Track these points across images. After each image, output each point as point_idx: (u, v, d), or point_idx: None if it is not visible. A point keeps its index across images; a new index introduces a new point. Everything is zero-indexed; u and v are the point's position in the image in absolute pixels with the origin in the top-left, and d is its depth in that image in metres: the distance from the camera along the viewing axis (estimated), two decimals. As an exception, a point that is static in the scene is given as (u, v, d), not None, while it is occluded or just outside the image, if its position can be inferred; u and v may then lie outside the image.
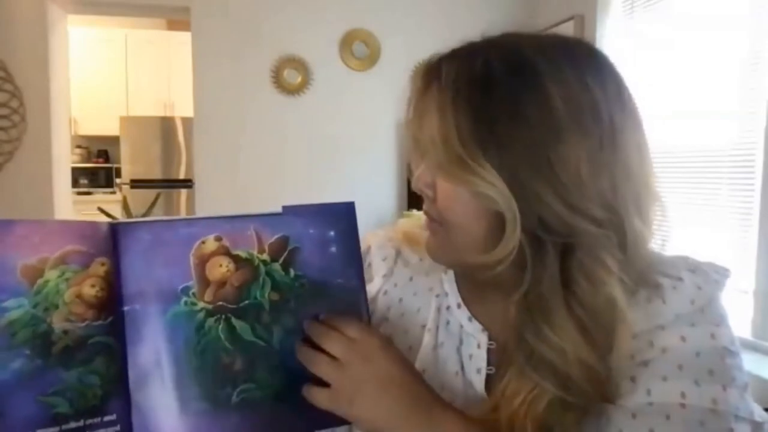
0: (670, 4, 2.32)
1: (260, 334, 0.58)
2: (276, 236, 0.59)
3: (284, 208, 0.60)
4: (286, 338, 0.58)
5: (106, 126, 5.39)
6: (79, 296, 0.53)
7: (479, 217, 0.57)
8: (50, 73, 3.14)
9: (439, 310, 0.69)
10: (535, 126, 0.53)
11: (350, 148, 3.34)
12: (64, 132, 3.41)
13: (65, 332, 0.52)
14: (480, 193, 0.55)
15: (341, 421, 0.58)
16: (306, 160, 3.31)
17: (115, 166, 5.66)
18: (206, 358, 0.56)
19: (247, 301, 0.58)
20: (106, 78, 5.44)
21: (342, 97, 3.31)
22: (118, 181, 5.50)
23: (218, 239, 0.58)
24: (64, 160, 3.43)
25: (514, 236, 0.54)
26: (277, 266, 0.59)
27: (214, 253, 0.57)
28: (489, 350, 0.64)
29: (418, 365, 0.65)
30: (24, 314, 0.51)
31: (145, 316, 0.56)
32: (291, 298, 0.59)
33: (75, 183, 4.82)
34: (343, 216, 0.61)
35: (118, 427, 0.54)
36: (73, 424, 0.52)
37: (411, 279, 0.72)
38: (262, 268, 0.58)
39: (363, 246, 0.63)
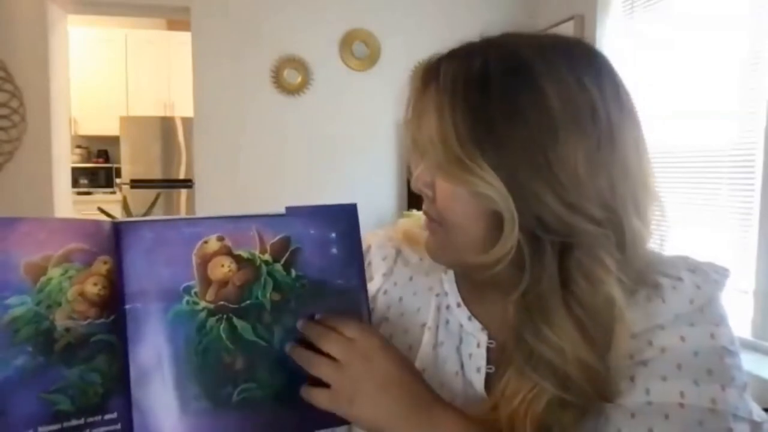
0: (670, 4, 2.32)
1: (261, 334, 0.58)
2: (278, 237, 0.59)
3: (287, 209, 0.60)
4: (287, 338, 0.58)
5: (106, 126, 5.39)
6: (81, 294, 0.53)
7: (478, 216, 0.57)
8: (50, 73, 3.14)
9: (438, 309, 0.69)
10: (532, 126, 0.54)
11: (350, 148, 3.34)
12: (64, 132, 3.41)
13: (67, 330, 0.53)
14: (478, 192, 0.55)
15: (341, 421, 0.58)
16: (306, 160, 3.31)
17: (115, 166, 5.66)
18: (207, 357, 0.57)
19: (248, 301, 0.58)
20: (106, 78, 5.44)
21: (342, 97, 3.31)
22: (118, 181, 5.50)
23: (220, 239, 0.58)
24: (64, 160, 3.43)
25: (512, 236, 0.54)
26: (278, 266, 0.59)
27: (216, 253, 0.58)
28: (488, 349, 0.65)
29: (417, 364, 0.65)
30: (27, 311, 0.51)
31: (147, 315, 0.56)
32: (292, 298, 0.59)
33: (75, 183, 4.82)
34: (344, 217, 0.62)
35: (118, 426, 0.54)
36: (74, 422, 0.52)
37: (411, 278, 0.72)
38: (264, 269, 0.59)
39: (363, 245, 0.63)
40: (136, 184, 5.06)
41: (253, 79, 3.21)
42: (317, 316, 0.59)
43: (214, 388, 0.56)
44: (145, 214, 4.02)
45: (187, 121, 4.85)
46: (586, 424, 0.55)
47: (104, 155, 5.84)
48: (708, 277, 0.58)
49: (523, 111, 0.54)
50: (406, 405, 0.55)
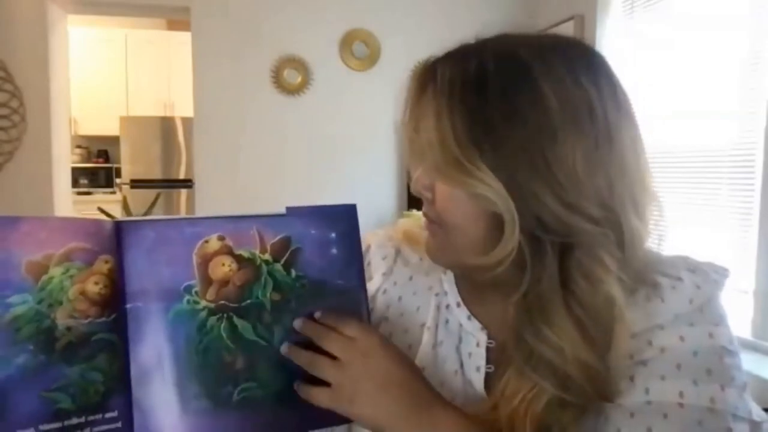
0: (670, 4, 2.32)
1: (261, 334, 0.58)
2: (278, 237, 0.59)
3: (288, 209, 0.60)
4: (287, 338, 0.59)
5: (106, 126, 5.39)
6: (82, 293, 0.53)
7: (478, 218, 0.57)
8: (50, 73, 3.14)
9: (438, 308, 0.69)
10: (531, 126, 0.54)
11: (350, 148, 3.34)
12: (64, 132, 3.41)
13: (69, 329, 0.53)
14: (478, 194, 0.55)
15: (341, 420, 0.59)
16: (306, 160, 3.31)
17: (115, 166, 5.66)
18: (208, 356, 0.57)
19: (249, 301, 0.58)
20: (106, 78, 5.44)
21: (342, 97, 3.31)
22: (118, 181, 5.50)
23: (221, 239, 0.58)
24: (64, 160, 3.43)
25: (512, 237, 0.54)
26: (278, 266, 0.59)
27: (217, 253, 0.58)
28: (488, 349, 0.65)
29: (417, 363, 0.65)
30: (28, 310, 0.51)
31: (148, 314, 0.56)
32: (292, 298, 0.59)
33: (75, 183, 4.83)
34: (344, 218, 0.62)
35: (119, 424, 0.54)
36: (74, 420, 0.52)
37: (411, 278, 0.72)
38: (264, 268, 0.59)
39: (363, 245, 0.63)
40: (136, 184, 5.06)
41: (253, 79, 3.21)
42: (317, 315, 0.59)
43: (214, 388, 0.57)
44: (145, 214, 4.02)
45: (187, 121, 4.85)
46: (586, 424, 0.56)
47: (104, 155, 5.84)
48: (707, 277, 0.58)
49: (521, 111, 0.54)
50: (406, 403, 0.55)
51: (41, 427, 0.51)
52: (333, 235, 0.61)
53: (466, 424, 0.56)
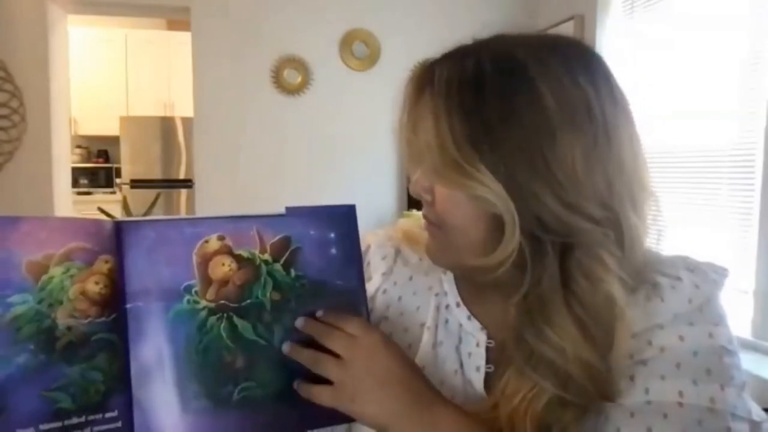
0: (670, 4, 2.32)
1: (261, 333, 0.58)
2: (278, 237, 0.60)
3: (287, 209, 0.61)
4: (287, 338, 0.59)
5: (106, 126, 5.40)
6: (83, 293, 0.53)
7: (478, 219, 0.57)
8: (50, 73, 3.14)
9: (438, 308, 0.69)
10: (529, 126, 0.54)
11: (350, 149, 3.34)
12: (64, 132, 3.41)
13: (69, 328, 0.53)
14: (477, 196, 0.55)
15: (341, 420, 0.59)
16: (306, 160, 3.31)
17: (115, 166, 5.66)
18: (208, 356, 0.57)
19: (248, 301, 0.58)
20: (106, 78, 5.44)
21: (342, 97, 3.31)
22: (118, 181, 5.50)
23: (221, 238, 0.58)
24: (64, 160, 3.43)
25: (513, 238, 0.54)
26: (278, 266, 0.59)
27: (217, 252, 0.58)
28: (488, 349, 0.65)
29: (417, 363, 0.65)
30: (29, 310, 0.51)
31: (148, 314, 0.56)
32: (292, 298, 0.60)
33: (75, 183, 4.83)
34: (343, 218, 0.62)
35: (119, 424, 0.54)
36: (75, 420, 0.52)
37: (410, 278, 0.72)
38: (264, 268, 0.59)
39: (362, 245, 0.63)
40: (136, 184, 5.06)
41: (253, 79, 3.22)
42: (318, 314, 0.60)
43: (214, 387, 0.57)
44: (145, 214, 4.02)
45: (187, 121, 4.85)
46: (586, 423, 0.56)
47: (104, 155, 5.84)
48: (707, 277, 0.58)
49: (519, 112, 0.54)
50: (407, 401, 0.55)
51: (41, 427, 0.51)
52: (332, 235, 0.61)
53: (467, 422, 0.56)
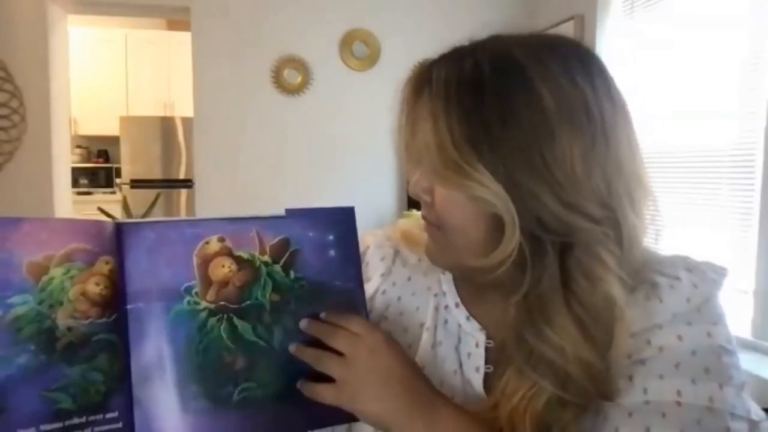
0: (670, 4, 2.33)
1: (261, 334, 0.59)
2: (277, 238, 0.60)
3: (287, 211, 0.61)
4: (286, 339, 0.59)
5: (106, 126, 5.39)
6: (83, 294, 0.54)
7: (477, 220, 0.57)
8: (50, 73, 3.14)
9: (437, 309, 0.69)
10: (527, 126, 0.54)
11: (350, 149, 3.34)
12: (64, 132, 3.41)
13: (69, 329, 0.53)
14: (477, 196, 0.55)
15: (340, 420, 0.59)
16: (306, 160, 3.31)
17: (115, 166, 5.66)
18: (208, 357, 0.57)
19: (248, 302, 0.59)
20: (106, 78, 5.44)
21: (342, 97, 3.31)
22: (118, 181, 5.50)
23: (221, 240, 0.58)
24: (64, 160, 3.43)
25: (513, 238, 0.54)
26: (277, 268, 0.60)
27: (217, 254, 0.58)
28: (487, 349, 0.65)
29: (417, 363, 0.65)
30: (29, 310, 0.52)
31: (149, 315, 0.56)
32: (291, 299, 0.60)
33: (75, 183, 4.83)
34: (342, 220, 0.63)
35: (119, 424, 0.54)
36: (75, 420, 0.52)
37: (409, 278, 0.73)
38: (264, 269, 0.59)
39: (361, 246, 0.64)
40: (136, 184, 5.06)
41: (253, 79, 3.22)
42: (322, 315, 0.60)
43: (214, 388, 0.57)
44: (145, 214, 4.02)
45: (187, 121, 4.85)
46: (585, 423, 0.56)
47: (104, 155, 5.84)
48: (705, 277, 0.58)
49: (517, 112, 0.54)
50: (408, 401, 0.56)
51: (42, 427, 0.51)
52: (331, 237, 0.62)
53: (467, 421, 0.56)
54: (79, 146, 5.65)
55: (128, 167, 5.08)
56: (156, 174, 5.10)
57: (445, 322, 0.68)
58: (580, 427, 0.56)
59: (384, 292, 0.73)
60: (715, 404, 0.53)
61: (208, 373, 0.57)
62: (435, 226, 0.62)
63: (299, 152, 3.30)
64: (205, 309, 0.57)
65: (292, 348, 0.59)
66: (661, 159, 2.27)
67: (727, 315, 0.58)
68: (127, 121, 5.15)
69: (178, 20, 4.54)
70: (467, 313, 0.67)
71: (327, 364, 0.58)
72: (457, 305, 0.68)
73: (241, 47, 3.20)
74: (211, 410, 0.56)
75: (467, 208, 0.57)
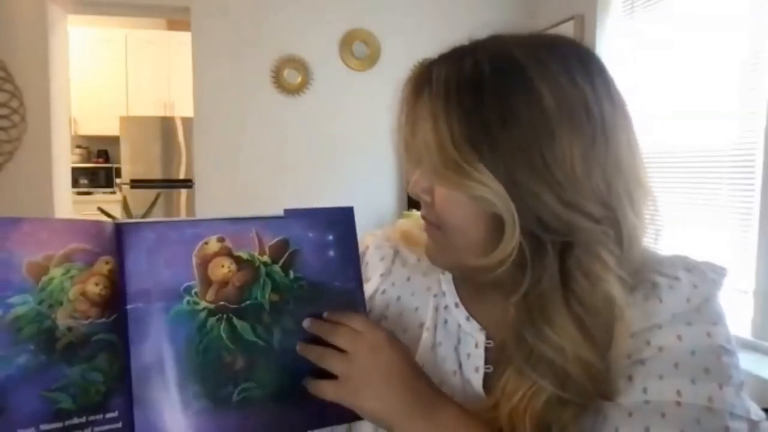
0: (670, 4, 2.33)
1: (261, 334, 0.59)
2: (276, 239, 0.60)
3: (286, 211, 0.61)
4: (286, 339, 0.59)
5: (106, 126, 5.40)
6: (83, 294, 0.54)
7: (477, 219, 0.57)
8: (50, 73, 3.14)
9: (437, 309, 0.69)
10: (527, 125, 0.54)
11: (350, 149, 3.34)
12: (64, 132, 3.41)
13: (69, 329, 0.53)
14: (477, 196, 0.55)
15: (340, 420, 0.59)
16: (306, 160, 3.31)
17: (115, 166, 5.66)
18: (208, 357, 0.57)
19: (248, 302, 0.59)
20: (106, 78, 5.44)
21: (342, 97, 3.31)
22: (118, 181, 5.50)
23: (221, 240, 0.58)
24: (64, 160, 3.43)
25: (513, 237, 0.54)
26: (277, 268, 0.60)
27: (216, 254, 0.58)
28: (487, 349, 0.65)
29: (417, 363, 0.65)
30: (29, 310, 0.52)
31: (148, 315, 0.56)
32: (290, 299, 0.60)
33: (75, 183, 4.83)
34: (342, 220, 0.63)
35: (119, 424, 0.54)
36: (75, 420, 0.52)
37: (409, 279, 0.73)
38: (263, 270, 0.59)
39: (361, 246, 0.64)
40: (136, 184, 5.06)
41: (253, 79, 3.22)
42: (325, 315, 0.60)
43: (214, 388, 0.57)
44: (145, 215, 4.02)
45: (187, 121, 4.85)
46: (585, 422, 0.56)
47: (104, 155, 5.84)
48: (705, 277, 0.58)
49: (517, 111, 0.54)
50: (409, 399, 0.56)
51: (42, 427, 0.51)
52: (330, 237, 0.62)
53: (468, 421, 0.56)
54: (79, 146, 5.65)
55: (128, 167, 5.08)
56: (156, 174, 5.10)
57: (445, 322, 0.68)
58: (579, 426, 0.56)
59: (383, 292, 0.73)
60: (715, 404, 0.53)
61: (207, 373, 0.57)
62: (435, 226, 0.62)
63: (299, 152, 3.30)
64: (204, 309, 0.57)
65: (298, 348, 0.59)
66: (661, 159, 2.27)
67: (727, 315, 0.58)
68: (127, 121, 5.15)
69: (178, 20, 4.54)
70: (467, 314, 0.67)
71: (329, 361, 0.58)
72: (456, 305, 0.68)
73: (241, 47, 3.20)
74: (211, 410, 0.56)
75: (467, 207, 0.57)
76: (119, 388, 0.55)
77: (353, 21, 3.29)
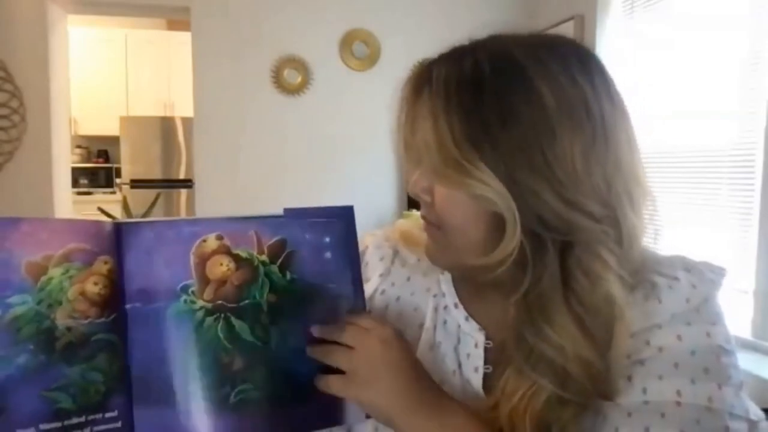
0: (670, 4, 2.32)
1: (258, 335, 0.58)
2: (275, 239, 0.60)
3: (285, 210, 0.61)
4: (283, 340, 0.59)
5: (106, 126, 5.39)
6: (82, 294, 0.53)
7: (478, 219, 0.57)
8: (50, 73, 3.14)
9: (436, 309, 0.69)
10: (528, 124, 0.54)
11: (350, 149, 3.34)
12: (64, 132, 3.41)
13: (68, 329, 0.53)
14: (478, 195, 0.55)
15: (338, 421, 0.59)
16: (306, 160, 3.31)
17: (115, 166, 5.66)
18: (205, 357, 0.57)
19: (246, 301, 0.58)
20: (106, 78, 5.44)
21: (342, 97, 3.31)
22: (118, 181, 5.50)
23: (219, 238, 0.58)
24: (64, 160, 3.43)
25: (514, 236, 0.54)
26: (274, 268, 0.59)
27: (215, 252, 0.58)
28: (486, 349, 0.65)
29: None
30: (28, 310, 0.52)
31: (148, 315, 0.56)
32: (287, 300, 0.59)
33: (75, 183, 4.83)
34: (341, 219, 0.62)
35: (119, 424, 0.54)
36: (75, 420, 0.52)
37: (408, 279, 0.73)
38: (261, 269, 0.59)
39: (360, 246, 0.64)
40: (136, 184, 5.06)
41: (253, 79, 3.22)
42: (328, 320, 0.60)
43: (212, 388, 0.57)
44: (145, 214, 4.02)
45: (187, 121, 4.85)
46: (585, 422, 0.56)
47: (104, 155, 5.84)
48: (704, 277, 0.58)
49: (518, 110, 0.54)
50: (413, 396, 0.56)
51: (42, 427, 0.51)
52: (330, 236, 0.61)
53: (469, 418, 0.56)
54: (79, 146, 5.65)
55: (128, 167, 5.08)
56: (156, 174, 5.10)
57: (444, 322, 0.68)
58: (579, 426, 0.56)
59: (383, 292, 0.73)
60: (714, 404, 0.53)
61: (205, 374, 0.57)
62: (435, 225, 0.62)
63: (299, 152, 3.30)
64: (201, 308, 0.57)
65: (308, 351, 0.59)
66: (661, 159, 2.27)
67: (727, 315, 0.58)
68: (127, 121, 5.15)
69: (178, 20, 4.53)
70: (466, 314, 0.67)
71: (336, 356, 0.58)
72: (456, 306, 0.68)
73: (241, 47, 3.20)
74: (208, 410, 0.56)
75: (467, 207, 0.57)
76: (119, 388, 0.54)
77: (353, 21, 3.28)
